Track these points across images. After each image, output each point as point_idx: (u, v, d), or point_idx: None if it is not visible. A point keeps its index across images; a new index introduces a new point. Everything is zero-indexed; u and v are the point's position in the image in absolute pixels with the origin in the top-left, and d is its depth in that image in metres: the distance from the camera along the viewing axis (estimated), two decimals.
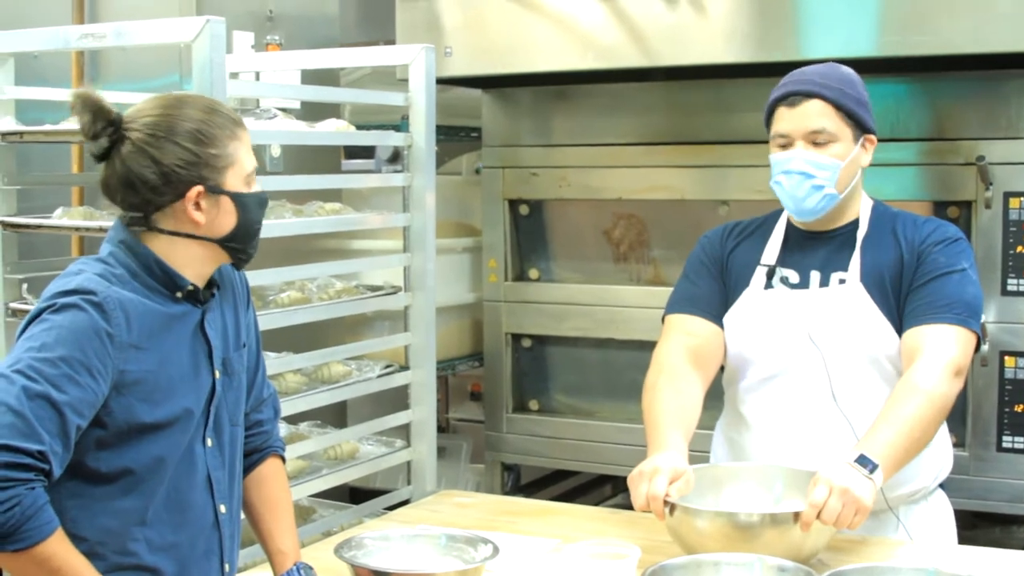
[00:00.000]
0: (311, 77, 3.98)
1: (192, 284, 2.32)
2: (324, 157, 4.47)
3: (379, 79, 4.51)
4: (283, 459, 2.66)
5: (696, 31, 3.78)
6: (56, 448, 2.10)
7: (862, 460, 2.62)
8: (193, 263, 2.33)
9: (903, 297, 2.91)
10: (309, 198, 3.51)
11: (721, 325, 3.06)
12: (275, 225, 3.25)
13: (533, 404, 4.54)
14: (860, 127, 2.92)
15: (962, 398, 3.80)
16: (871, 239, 2.96)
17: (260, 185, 2.39)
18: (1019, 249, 3.71)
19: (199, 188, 2.26)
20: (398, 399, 3.72)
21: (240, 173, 2.32)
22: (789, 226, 3.04)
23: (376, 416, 3.61)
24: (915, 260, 2.91)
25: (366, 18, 4.71)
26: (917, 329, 2.86)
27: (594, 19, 3.88)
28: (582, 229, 4.45)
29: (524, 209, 4.48)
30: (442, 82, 3.81)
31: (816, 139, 2.88)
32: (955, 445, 3.79)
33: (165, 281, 2.30)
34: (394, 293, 3.56)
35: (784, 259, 3.02)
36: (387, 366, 3.56)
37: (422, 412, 3.57)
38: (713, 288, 3.09)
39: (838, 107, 2.88)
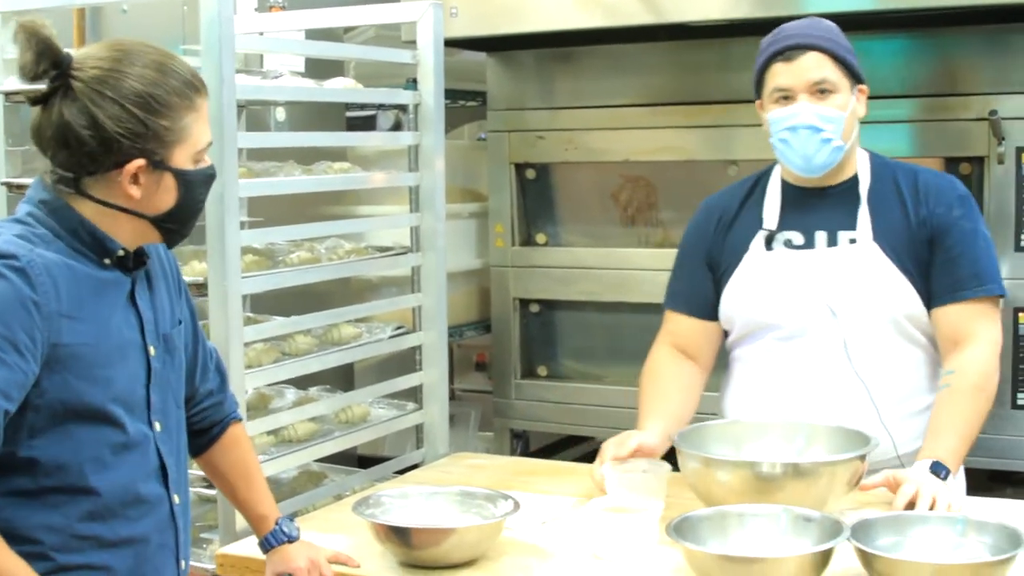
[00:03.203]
0: (315, 39, 3.93)
1: (123, 248, 2.12)
2: (330, 121, 4.43)
3: (383, 44, 4.46)
4: (241, 422, 2.57)
5: None
6: None
7: (936, 467, 2.70)
8: (119, 235, 2.11)
9: (923, 264, 2.90)
10: (316, 157, 3.46)
11: (706, 316, 3.09)
12: (284, 182, 3.21)
13: (542, 370, 4.50)
14: (854, 77, 2.90)
15: None
16: (875, 195, 2.94)
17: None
18: None
19: (140, 162, 2.05)
20: (405, 365, 3.68)
21: (190, 150, 2.11)
22: (785, 185, 3.00)
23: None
24: (931, 225, 2.89)
25: None
26: (955, 308, 2.88)
27: None
28: (589, 192, 4.42)
29: (530, 173, 4.44)
30: (448, 44, 3.76)
31: (819, 89, 2.85)
32: None
33: (93, 245, 2.09)
34: (404, 253, 3.51)
35: (784, 221, 2.98)
36: (398, 327, 3.52)
37: (433, 374, 3.53)
38: (697, 276, 3.11)
39: (835, 57, 2.86)
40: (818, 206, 2.96)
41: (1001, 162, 3.68)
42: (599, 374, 4.43)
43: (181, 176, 2.11)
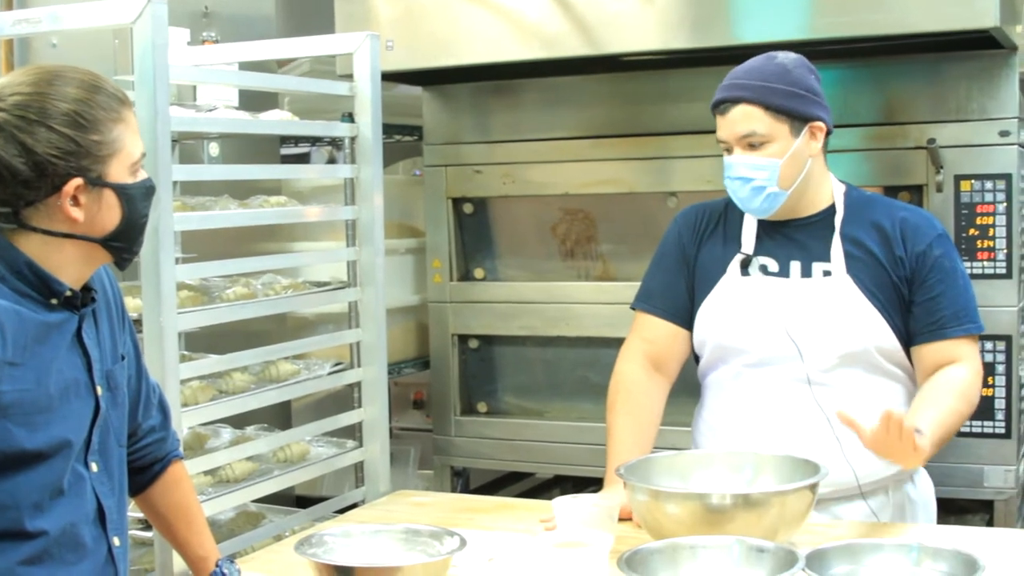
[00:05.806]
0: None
1: (70, 289, 2.08)
2: (264, 156, 4.37)
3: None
4: (183, 460, 2.52)
5: (640, 18, 3.71)
6: None
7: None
8: (70, 265, 2.07)
9: (898, 300, 2.91)
10: (250, 192, 3.41)
11: (679, 322, 3.07)
12: (222, 215, 3.15)
13: (481, 406, 4.45)
14: (799, 118, 2.89)
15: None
16: (850, 228, 2.95)
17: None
18: (971, 232, 3.69)
19: (78, 181, 2.00)
20: (341, 403, 3.62)
21: (126, 161, 2.07)
22: None
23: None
24: (909, 265, 2.91)
25: (303, 16, 4.61)
26: (937, 345, 2.90)
27: (538, 8, 3.81)
28: (527, 226, 4.38)
29: (468, 208, 4.39)
30: (384, 78, 3.72)
31: (749, 142, 2.88)
32: None
33: (39, 286, 2.04)
34: (342, 288, 3.46)
35: (760, 246, 3.00)
36: (336, 364, 3.46)
37: (373, 411, 3.46)
38: (674, 279, 3.09)
39: (765, 107, 2.86)
40: (793, 235, 2.98)
41: (940, 190, 3.69)
42: (540, 409, 4.39)
43: (121, 191, 2.07)
